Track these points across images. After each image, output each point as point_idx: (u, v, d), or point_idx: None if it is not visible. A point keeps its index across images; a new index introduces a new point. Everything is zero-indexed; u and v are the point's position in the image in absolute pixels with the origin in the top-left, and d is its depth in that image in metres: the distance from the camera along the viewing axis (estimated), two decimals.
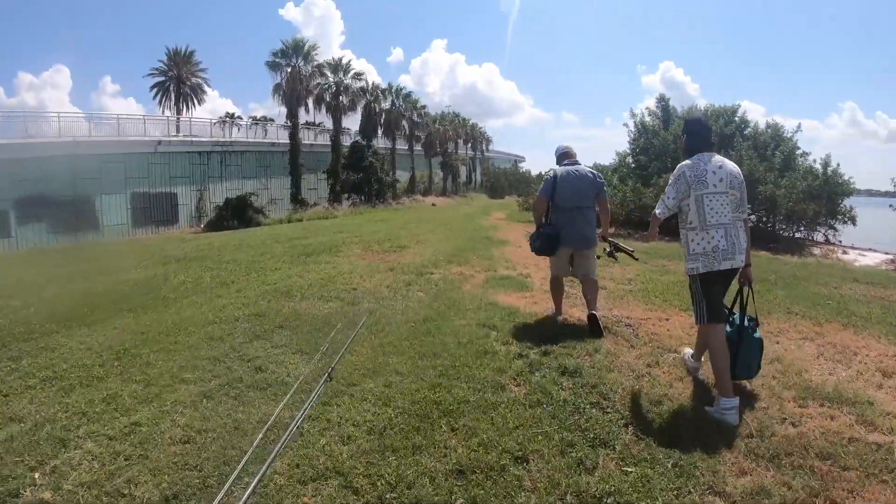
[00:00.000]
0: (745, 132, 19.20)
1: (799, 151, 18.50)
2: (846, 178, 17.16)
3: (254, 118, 46.12)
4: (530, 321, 5.31)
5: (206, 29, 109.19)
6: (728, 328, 3.72)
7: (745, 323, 3.74)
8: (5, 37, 70.43)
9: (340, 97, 35.16)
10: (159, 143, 28.75)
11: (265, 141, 35.66)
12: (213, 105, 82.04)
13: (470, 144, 59.61)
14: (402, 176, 43.91)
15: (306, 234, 14.85)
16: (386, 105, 40.19)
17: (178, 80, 43.79)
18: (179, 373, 4.00)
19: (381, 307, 5.90)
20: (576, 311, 5.68)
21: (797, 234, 17.08)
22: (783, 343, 5.00)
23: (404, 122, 42.67)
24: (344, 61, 35.81)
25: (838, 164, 17.21)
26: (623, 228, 16.41)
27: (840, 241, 17.11)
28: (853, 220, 16.90)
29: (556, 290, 5.54)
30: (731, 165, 3.61)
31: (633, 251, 5.31)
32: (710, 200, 3.48)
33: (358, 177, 34.90)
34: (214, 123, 34.68)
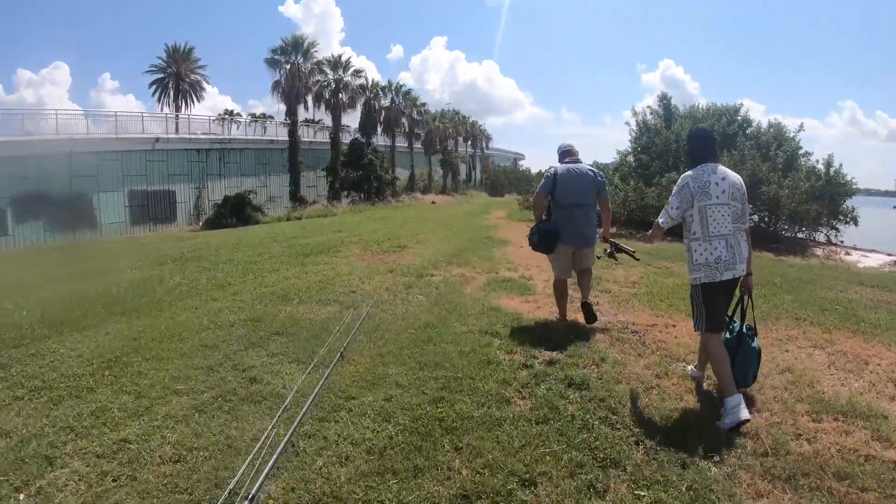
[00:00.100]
0: (748, 131, 19.05)
1: (801, 151, 18.37)
2: (849, 178, 17.08)
3: (253, 115, 45.96)
4: (534, 327, 5.18)
5: (205, 26, 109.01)
6: (728, 335, 3.77)
7: (745, 331, 3.77)
8: (5, 34, 70.16)
9: (340, 94, 34.99)
10: (157, 140, 28.56)
11: (264, 138, 35.48)
12: (213, 102, 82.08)
13: (470, 142, 59.42)
14: (402, 174, 43.74)
15: (305, 232, 14.72)
16: (386, 102, 40.02)
17: (177, 77, 43.45)
18: (171, 384, 3.86)
19: (381, 311, 5.76)
20: (580, 317, 5.53)
21: (798, 235, 16.94)
22: (793, 351, 4.89)
23: (404, 120, 42.50)
24: (343, 58, 35.70)
25: (841, 165, 17.09)
26: (625, 228, 16.25)
27: (842, 242, 16.97)
28: (855, 221, 16.78)
29: (560, 294, 5.41)
30: (733, 177, 3.64)
31: (634, 252, 5.27)
32: (712, 211, 3.53)
33: (357, 174, 34.72)
34: (213, 121, 34.50)
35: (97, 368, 4.29)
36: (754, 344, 3.75)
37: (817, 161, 17.88)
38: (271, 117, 40.43)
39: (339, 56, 35.70)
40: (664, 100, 21.78)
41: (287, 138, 33.92)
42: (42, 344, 5.02)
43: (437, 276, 7.72)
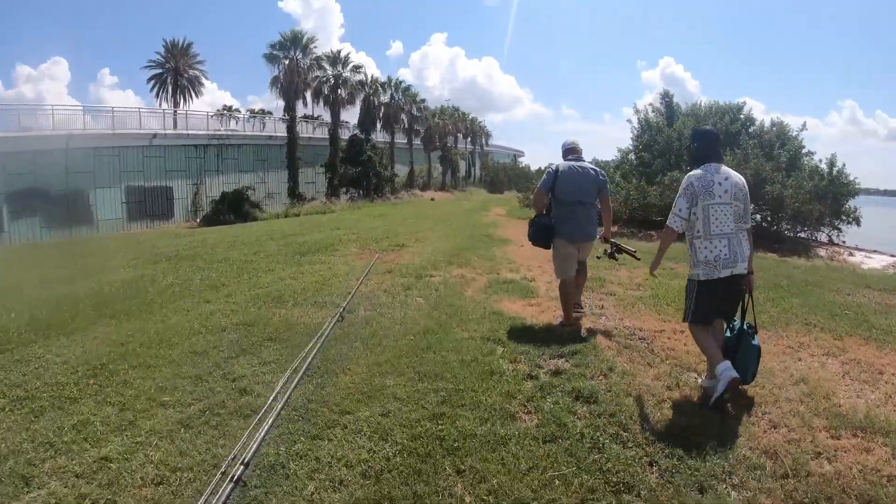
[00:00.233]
0: (751, 130, 18.88)
1: (804, 150, 18.25)
2: (851, 178, 16.98)
3: (252, 111, 45.75)
4: (538, 333, 4.97)
5: (205, 21, 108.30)
6: (728, 333, 3.85)
7: (745, 329, 3.81)
8: (3, 29, 69.64)
9: (339, 90, 34.73)
10: (154, 136, 28.33)
11: (262, 134, 35.26)
12: (212, 98, 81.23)
13: (469, 139, 59.12)
14: (401, 170, 43.54)
15: (302, 230, 14.52)
16: (385, 98, 39.79)
17: (175, 73, 43.17)
18: (157, 395, 3.66)
19: (378, 315, 5.56)
20: (585, 321, 5.39)
21: (800, 235, 16.80)
22: (805, 360, 4.74)
23: (403, 116, 42.26)
24: (342, 54, 35.43)
25: (843, 164, 16.99)
26: (626, 227, 16.09)
27: (844, 242, 16.88)
28: (857, 221, 16.69)
29: (566, 296, 5.24)
30: (736, 177, 3.71)
31: (635, 251, 5.28)
32: (715, 210, 3.61)
33: (356, 171, 34.50)
34: (212, 116, 34.23)
35: (82, 377, 4.11)
36: (754, 342, 3.77)
37: (820, 160, 17.81)
38: (270, 113, 40.29)
39: (339, 52, 35.48)
40: (666, 97, 21.60)
41: (285, 134, 33.65)
42: (28, 349, 4.85)
43: (436, 276, 7.53)
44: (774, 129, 18.80)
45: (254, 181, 32.07)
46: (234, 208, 27.49)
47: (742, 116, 19.51)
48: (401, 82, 41.72)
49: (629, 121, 21.45)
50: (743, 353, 3.71)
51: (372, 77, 38.29)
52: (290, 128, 33.38)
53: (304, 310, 5.77)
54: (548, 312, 5.72)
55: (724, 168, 3.71)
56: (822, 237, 16.95)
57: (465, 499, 2.54)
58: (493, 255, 9.76)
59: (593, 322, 5.43)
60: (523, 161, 73.33)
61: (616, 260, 5.44)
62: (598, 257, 5.51)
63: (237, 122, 36.20)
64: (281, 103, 33.54)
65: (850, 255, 15.34)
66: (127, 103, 59.64)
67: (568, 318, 5.25)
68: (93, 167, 25.26)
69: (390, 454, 2.89)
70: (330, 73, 34.53)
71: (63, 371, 4.25)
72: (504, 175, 57.23)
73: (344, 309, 4.97)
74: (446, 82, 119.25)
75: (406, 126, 43.41)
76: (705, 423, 3.33)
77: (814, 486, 2.77)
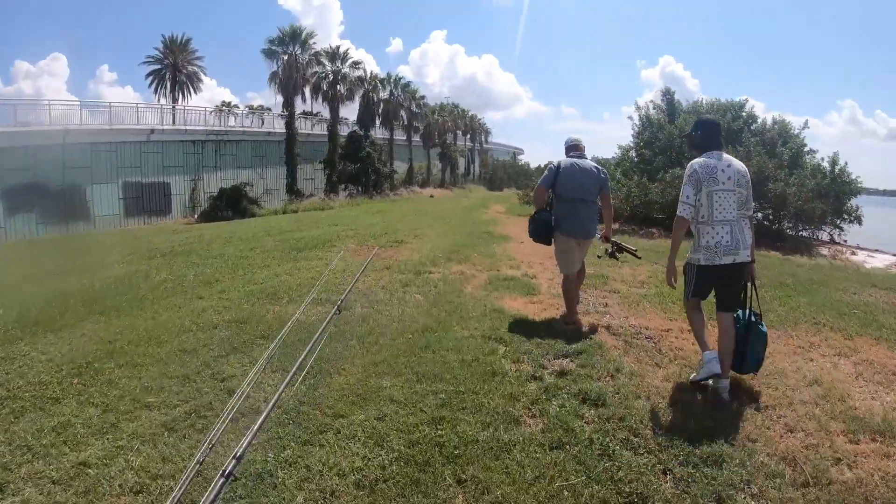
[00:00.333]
0: (753, 127, 18.74)
1: (806, 149, 18.14)
2: (854, 177, 16.88)
3: (250, 107, 45.47)
4: (541, 332, 4.78)
5: (205, 18, 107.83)
6: (736, 324, 3.82)
7: (752, 318, 3.83)
8: (3, 25, 69.19)
9: (338, 86, 34.50)
10: (152, 131, 28.06)
11: (261, 130, 34.96)
12: (211, 94, 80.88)
13: (469, 136, 58.91)
14: (400, 167, 43.34)
15: (300, 226, 14.34)
16: (384, 95, 39.55)
17: (173, 68, 42.79)
18: (142, 395, 3.48)
19: (375, 312, 5.38)
20: (589, 318, 5.26)
21: (801, 233, 16.70)
22: (817, 360, 4.60)
23: (403, 113, 42.03)
24: (342, 50, 35.22)
25: (846, 163, 16.87)
26: (627, 224, 15.92)
27: (845, 241, 16.80)
28: (859, 220, 16.59)
29: (570, 291, 5.15)
30: (738, 164, 3.75)
31: (636, 250, 5.26)
32: (718, 197, 3.63)
33: (355, 167, 34.34)
34: (210, 112, 33.91)
35: (66, 375, 3.94)
36: (763, 329, 3.81)
37: (822, 159, 17.70)
38: (269, 109, 39.97)
39: (338, 47, 35.26)
40: (667, 94, 21.43)
41: (284, 130, 33.39)
42: (13, 346, 4.69)
43: (435, 273, 7.35)
44: (776, 126, 18.68)
45: (252, 177, 31.79)
46: (232, 204, 27.31)
47: (744, 114, 19.37)
48: (400, 78, 41.57)
49: (630, 117, 21.30)
50: (754, 341, 3.73)
51: (371, 73, 38.13)
52: (289, 124, 33.13)
53: (299, 307, 5.57)
54: (550, 310, 5.55)
55: (726, 155, 3.76)
56: (824, 236, 16.88)
57: None
58: (493, 251, 9.58)
59: (598, 320, 5.26)
60: (523, 159, 73.24)
61: (617, 259, 5.40)
62: (599, 257, 5.48)
63: (236, 118, 35.88)
64: (280, 100, 33.43)
65: (853, 254, 15.26)
66: (126, 100, 59.26)
67: (571, 314, 5.15)
68: (90, 162, 24.98)
69: (386, 462, 2.70)
70: (329, 68, 34.31)
71: (47, 370, 4.08)
72: (503, 172, 57.10)
73: (341, 303, 4.78)
74: (446, 80, 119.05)
75: (405, 123, 43.19)
76: (719, 427, 3.17)
77: (836, 494, 2.64)
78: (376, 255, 8.80)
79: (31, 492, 2.56)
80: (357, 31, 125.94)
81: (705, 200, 3.63)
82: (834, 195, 16.27)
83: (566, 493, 2.48)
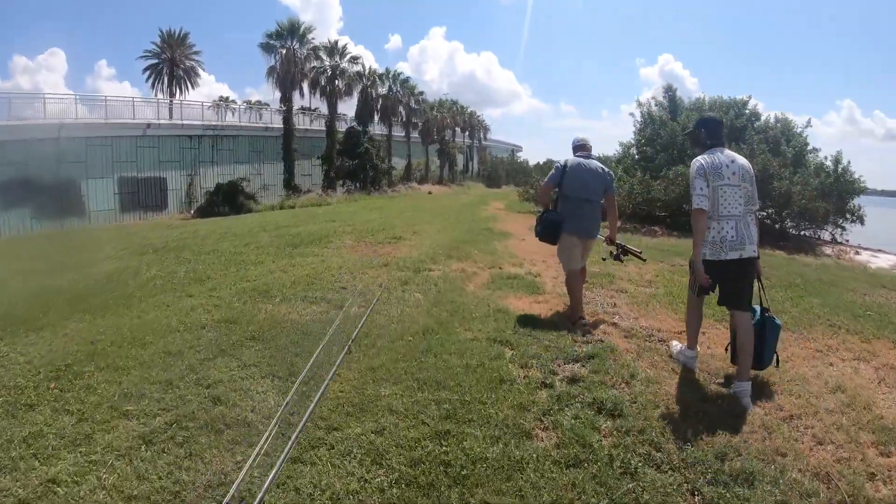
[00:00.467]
0: (756, 125, 18.54)
1: (809, 147, 17.98)
2: (857, 176, 16.75)
3: (248, 102, 45.08)
4: (549, 334, 4.52)
5: (203, 13, 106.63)
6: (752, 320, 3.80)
7: (765, 313, 3.84)
8: (1, 20, 68.56)
9: (336, 81, 34.12)
10: (149, 126, 27.70)
11: (258, 125, 34.62)
12: (210, 90, 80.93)
13: (467, 133, 58.53)
14: (399, 163, 43.01)
15: (297, 222, 14.06)
16: (383, 90, 39.18)
17: (171, 63, 42.46)
18: (121, 403, 3.21)
19: (373, 312, 5.11)
20: (587, 315, 5.07)
21: (804, 233, 16.54)
22: (837, 365, 4.43)
23: (401, 109, 41.68)
24: (340, 44, 34.77)
25: (849, 162, 16.71)
26: (629, 222, 15.68)
27: (847, 241, 16.67)
28: (861, 220, 16.46)
29: (574, 286, 5.09)
30: (742, 160, 3.78)
31: (640, 252, 5.26)
32: (723, 192, 3.64)
33: (353, 163, 34.01)
34: (207, 107, 33.56)
35: (43, 379, 3.67)
36: (777, 322, 3.84)
37: (825, 158, 17.53)
38: (267, 105, 39.59)
39: (336, 42, 34.81)
40: (669, 91, 21.20)
41: (282, 125, 33.05)
42: None
43: (435, 270, 7.09)
44: (779, 125, 18.50)
45: (249, 173, 31.39)
46: (229, 200, 26.97)
47: (747, 111, 19.16)
48: (399, 74, 41.10)
49: (632, 114, 21.05)
50: (770, 335, 3.75)
51: (370, 68, 37.69)
52: (287, 119, 32.76)
53: (292, 305, 5.31)
54: (557, 310, 5.31)
55: (729, 151, 3.78)
56: (825, 235, 16.74)
57: None
58: (495, 248, 9.35)
59: (607, 322, 5.04)
60: (521, 156, 73.02)
61: (622, 262, 5.36)
62: (604, 259, 5.45)
63: (233, 113, 35.52)
64: (278, 95, 32.92)
65: (857, 253, 15.16)
66: (124, 95, 58.85)
67: (577, 309, 5.02)
68: (85, 157, 24.66)
69: (385, 484, 2.43)
70: (327, 63, 33.93)
71: (24, 372, 3.81)
72: (502, 169, 56.77)
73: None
74: (445, 76, 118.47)
75: (404, 119, 42.87)
76: (745, 440, 2.95)
77: None
78: (374, 253, 8.57)
79: None
80: (356, 27, 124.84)
81: (711, 195, 3.63)
82: (837, 194, 16.12)
83: None
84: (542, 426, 2.98)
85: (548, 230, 5.12)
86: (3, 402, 3.35)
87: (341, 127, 36.42)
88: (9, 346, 4.46)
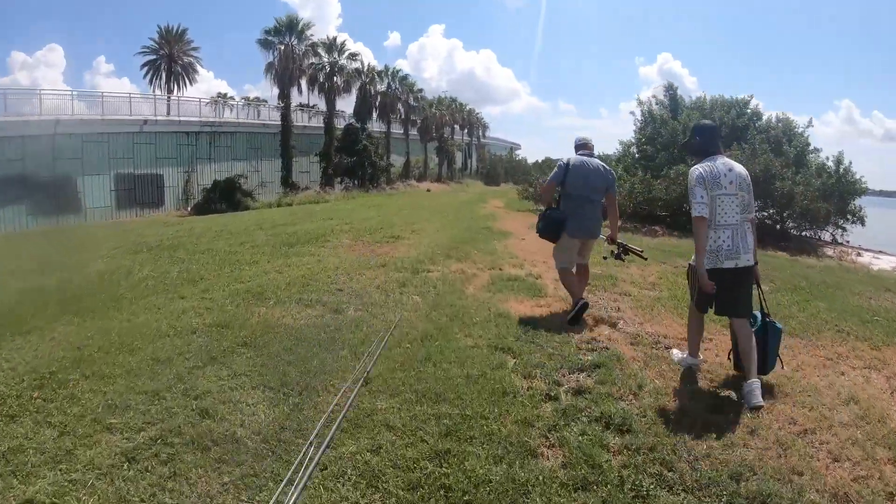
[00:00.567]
0: (758, 125, 18.42)
1: (810, 148, 17.90)
2: (858, 177, 16.75)
3: (246, 99, 44.87)
4: (552, 340, 4.39)
5: (202, 9, 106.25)
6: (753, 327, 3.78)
7: (766, 319, 3.83)
8: None
9: (335, 78, 33.94)
10: (145, 122, 27.50)
11: (256, 122, 34.39)
12: (208, 86, 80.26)
13: (466, 130, 58.37)
14: (397, 160, 42.84)
15: (294, 219, 13.89)
16: (382, 87, 39.06)
17: (169, 59, 42.19)
18: (105, 415, 3.05)
19: (370, 317, 4.96)
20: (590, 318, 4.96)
21: (804, 233, 16.46)
22: (848, 374, 4.28)
23: (400, 106, 41.54)
24: (339, 41, 34.63)
25: (850, 163, 16.65)
26: (630, 221, 15.59)
27: (848, 242, 16.59)
28: (862, 221, 16.43)
29: (569, 281, 5.16)
30: (739, 168, 3.77)
31: (642, 251, 5.23)
32: (721, 201, 3.63)
33: (351, 160, 33.84)
34: (205, 103, 33.32)
35: (27, 388, 3.50)
36: (778, 326, 3.84)
37: (827, 158, 17.49)
38: (265, 101, 39.40)
39: (335, 38, 34.67)
40: (670, 90, 21.11)
41: (280, 122, 32.85)
42: None
43: (434, 271, 6.94)
44: (780, 125, 18.41)
45: (246, 170, 31.26)
46: (226, 197, 26.85)
47: (749, 111, 19.05)
48: (398, 71, 40.98)
49: (632, 113, 20.99)
50: (773, 340, 3.75)
51: (368, 65, 37.56)
52: (285, 115, 32.57)
53: (287, 308, 5.15)
54: (560, 314, 5.16)
55: (727, 159, 3.77)
56: (826, 236, 16.67)
57: None
58: (494, 248, 9.22)
59: (611, 326, 4.92)
60: (520, 154, 73.08)
61: (623, 261, 5.32)
62: (605, 258, 5.41)
63: (231, 110, 35.27)
64: (276, 92, 32.74)
65: (858, 255, 15.13)
66: (122, 91, 58.53)
67: (575, 294, 5.06)
68: (81, 153, 24.44)
69: None
70: (326, 60, 33.74)
71: (7, 380, 3.64)
72: (501, 167, 56.71)
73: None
74: (444, 74, 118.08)
75: (402, 116, 42.72)
76: (760, 457, 2.80)
77: None
78: (372, 252, 8.42)
79: None
80: (355, 24, 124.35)
81: (710, 204, 3.62)
82: (838, 195, 16.08)
83: None
84: (547, 443, 2.83)
85: (550, 227, 5.12)
86: None
87: (340, 124, 36.28)
88: None
